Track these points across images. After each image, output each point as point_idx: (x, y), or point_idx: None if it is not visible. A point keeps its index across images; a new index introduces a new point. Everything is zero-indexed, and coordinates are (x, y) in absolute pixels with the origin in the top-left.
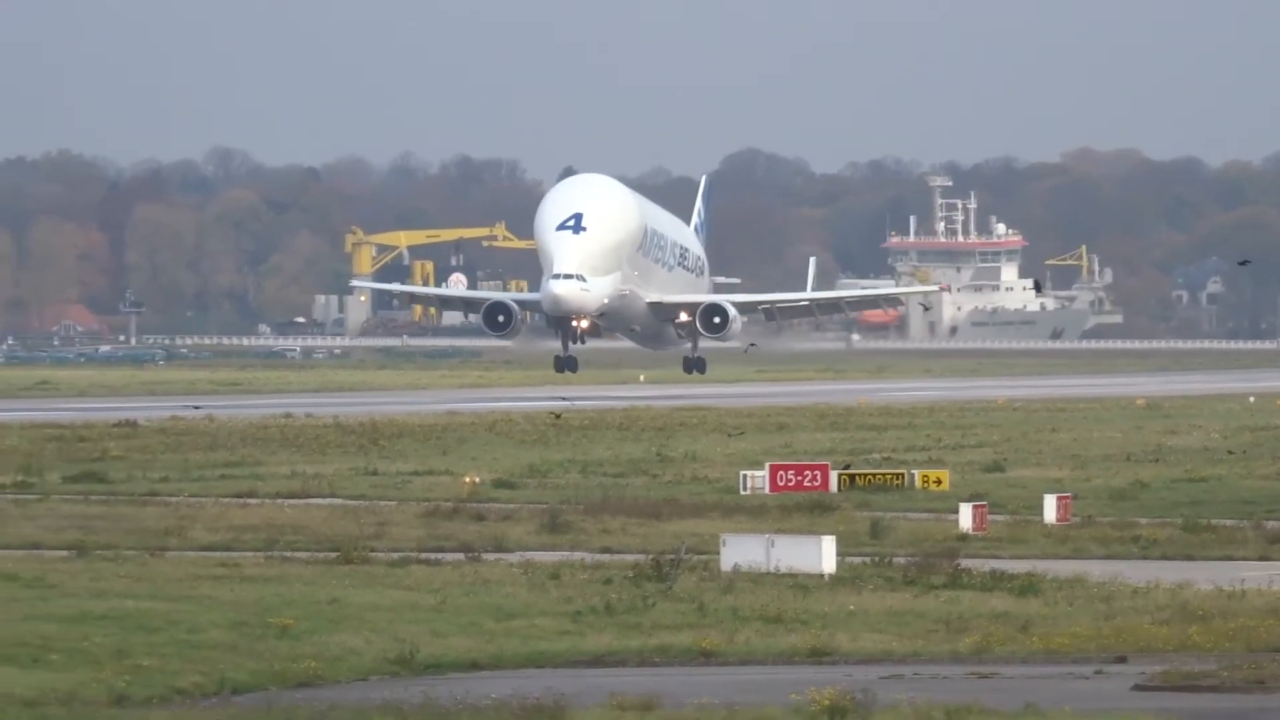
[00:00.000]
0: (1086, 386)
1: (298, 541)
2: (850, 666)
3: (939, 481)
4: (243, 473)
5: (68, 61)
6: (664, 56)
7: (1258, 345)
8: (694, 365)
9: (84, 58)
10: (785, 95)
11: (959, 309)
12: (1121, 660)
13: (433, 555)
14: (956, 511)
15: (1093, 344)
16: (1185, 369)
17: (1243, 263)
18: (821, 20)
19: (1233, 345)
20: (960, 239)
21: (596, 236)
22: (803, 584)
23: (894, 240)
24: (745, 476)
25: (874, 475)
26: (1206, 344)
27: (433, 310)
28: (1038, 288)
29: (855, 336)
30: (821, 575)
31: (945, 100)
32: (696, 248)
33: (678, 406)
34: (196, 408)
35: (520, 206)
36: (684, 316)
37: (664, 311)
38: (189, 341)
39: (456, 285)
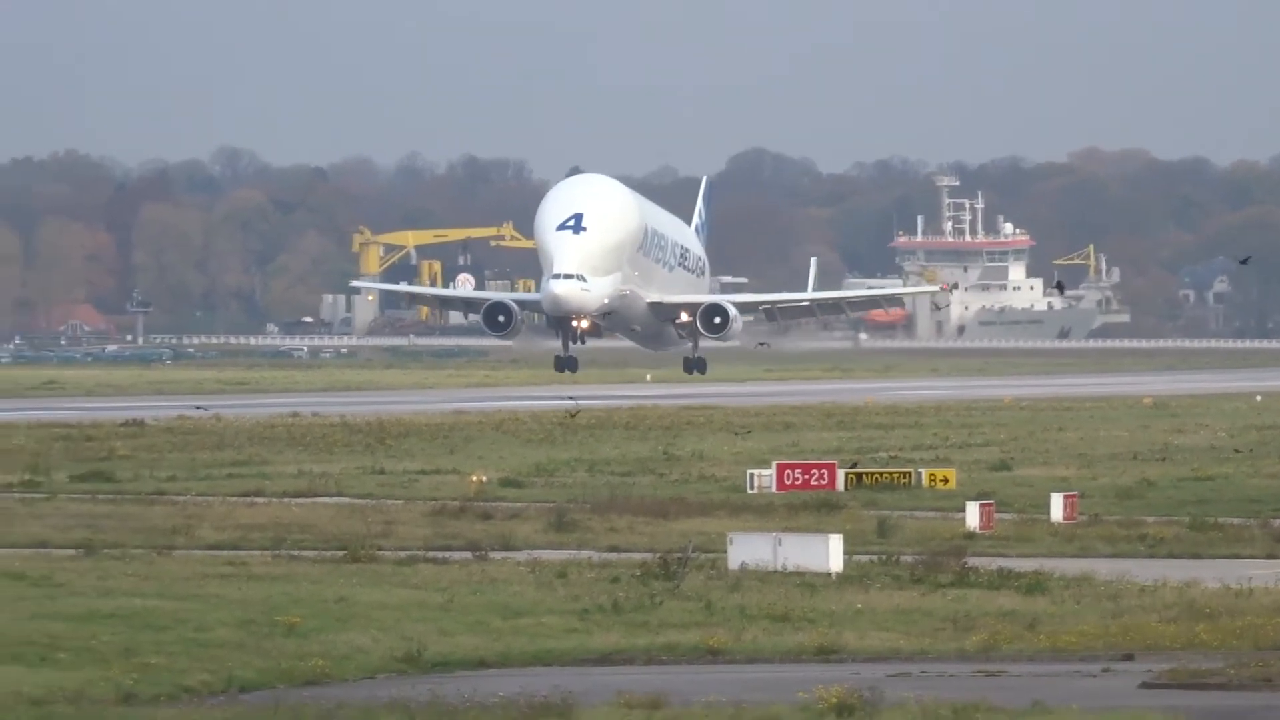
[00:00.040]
0: (1093, 386)
1: (305, 540)
2: (857, 665)
3: (946, 480)
4: (250, 472)
5: (75, 62)
6: (670, 56)
7: (1264, 344)
8: (694, 365)
9: (91, 58)
10: (791, 95)
11: (966, 308)
12: (1129, 658)
13: (440, 554)
14: (963, 510)
15: (1100, 343)
16: (1192, 368)
17: (1244, 261)
18: (828, 20)
19: (1239, 344)
20: (968, 239)
21: (597, 236)
22: (810, 582)
23: (901, 240)
24: (752, 475)
25: (881, 474)
26: (1213, 343)
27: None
28: (1060, 289)
29: (862, 336)
30: (828, 574)
31: (951, 100)
32: (697, 248)
33: (685, 406)
34: (199, 408)
35: (527, 206)
36: (684, 317)
37: (664, 312)
38: (196, 341)
39: (464, 285)
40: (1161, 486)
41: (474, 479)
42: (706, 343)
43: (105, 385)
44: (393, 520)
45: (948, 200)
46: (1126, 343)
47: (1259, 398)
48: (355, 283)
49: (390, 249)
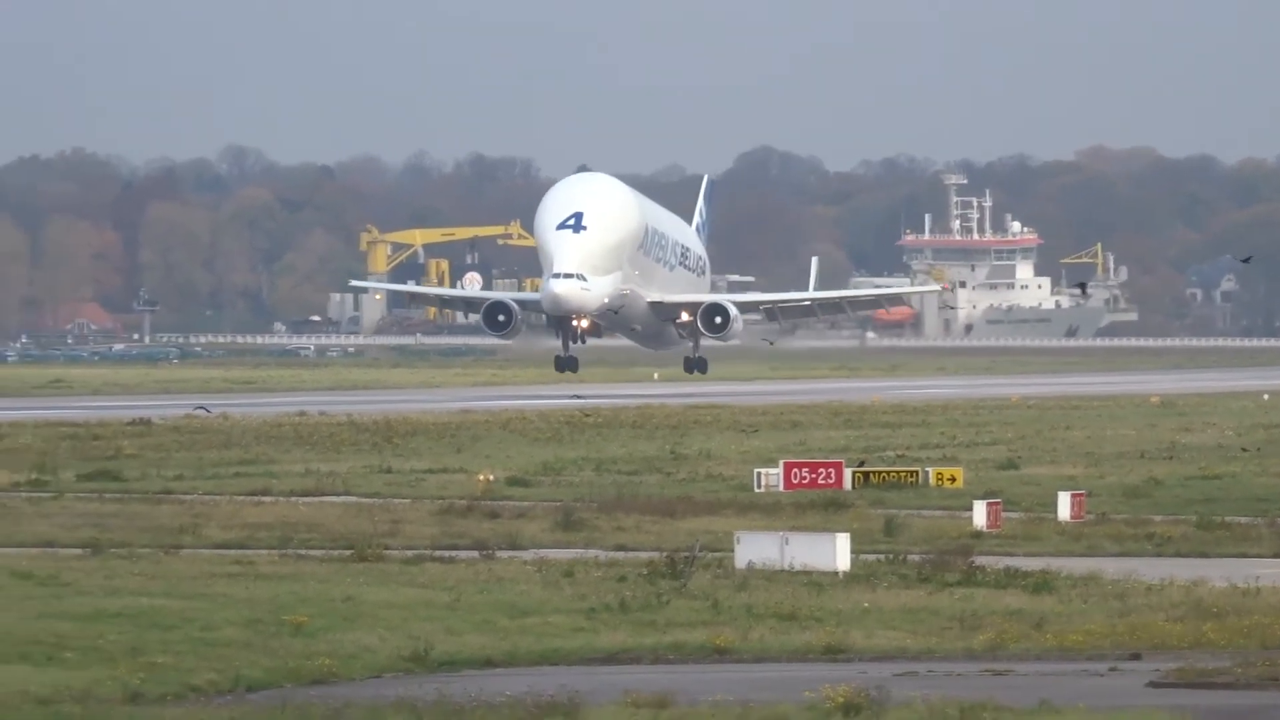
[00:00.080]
0: (1101, 384)
1: (312, 539)
2: (864, 664)
3: (953, 479)
4: (257, 471)
5: (81, 61)
6: (677, 55)
7: (1271, 343)
8: (695, 365)
9: (98, 57)
10: (798, 94)
11: (974, 307)
12: (1136, 657)
13: (447, 553)
14: (971, 509)
15: (1107, 342)
16: (1199, 367)
17: (1245, 260)
18: (834, 19)
19: (1247, 343)
20: (975, 237)
21: (597, 236)
22: (817, 581)
23: (909, 239)
24: (759, 474)
25: (888, 473)
26: (1220, 342)
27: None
28: (1083, 289)
29: (870, 334)
30: (836, 572)
31: (958, 98)
32: (698, 247)
33: (692, 405)
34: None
35: (534, 205)
36: (685, 316)
37: (665, 311)
38: (203, 340)
39: (471, 284)
40: (1169, 485)
41: (481, 478)
42: (707, 342)
43: (112, 384)
44: (400, 519)
45: (955, 199)
46: (1134, 341)
47: (1266, 396)
48: (355, 283)
49: (398, 247)
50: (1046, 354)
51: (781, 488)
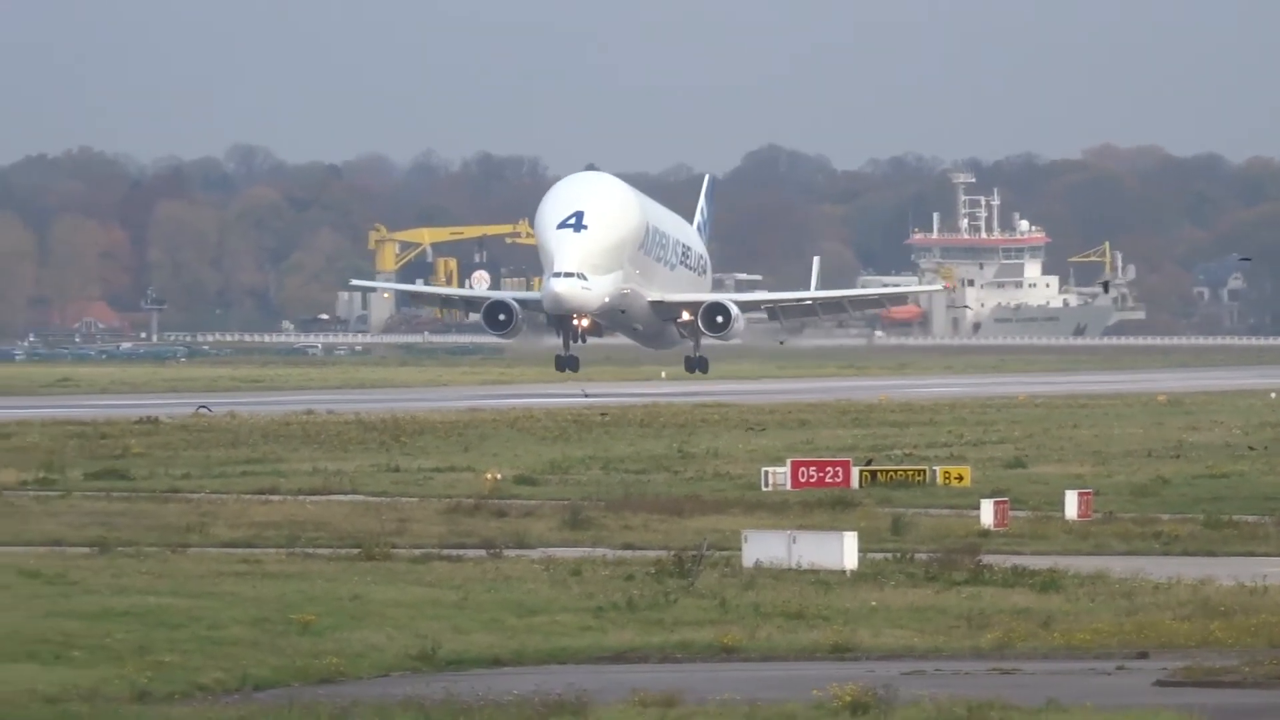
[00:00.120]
0: (1108, 383)
1: (319, 538)
2: (872, 662)
3: (960, 478)
4: (264, 469)
5: (88, 60)
6: (685, 54)
7: (1279, 341)
8: (696, 364)
9: (105, 56)
10: (805, 92)
11: (982, 306)
12: (1143, 656)
13: (454, 552)
14: (978, 508)
15: (1114, 340)
16: (1206, 365)
17: (1244, 259)
18: (841, 17)
19: (1254, 341)
20: (983, 236)
21: (597, 235)
22: (824, 580)
23: (917, 237)
24: (767, 473)
25: (896, 472)
26: (1228, 340)
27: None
28: (1105, 287)
29: (878, 333)
30: (843, 571)
31: (965, 97)
32: (699, 246)
33: (699, 403)
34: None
35: None
36: (686, 315)
37: (666, 310)
38: (211, 338)
39: (479, 283)
40: (1176, 484)
41: (489, 476)
42: (708, 341)
43: (120, 383)
44: (407, 518)
45: (963, 197)
46: (1141, 340)
47: (1274, 394)
48: (356, 282)
49: (406, 246)
50: (1054, 352)
51: (789, 486)
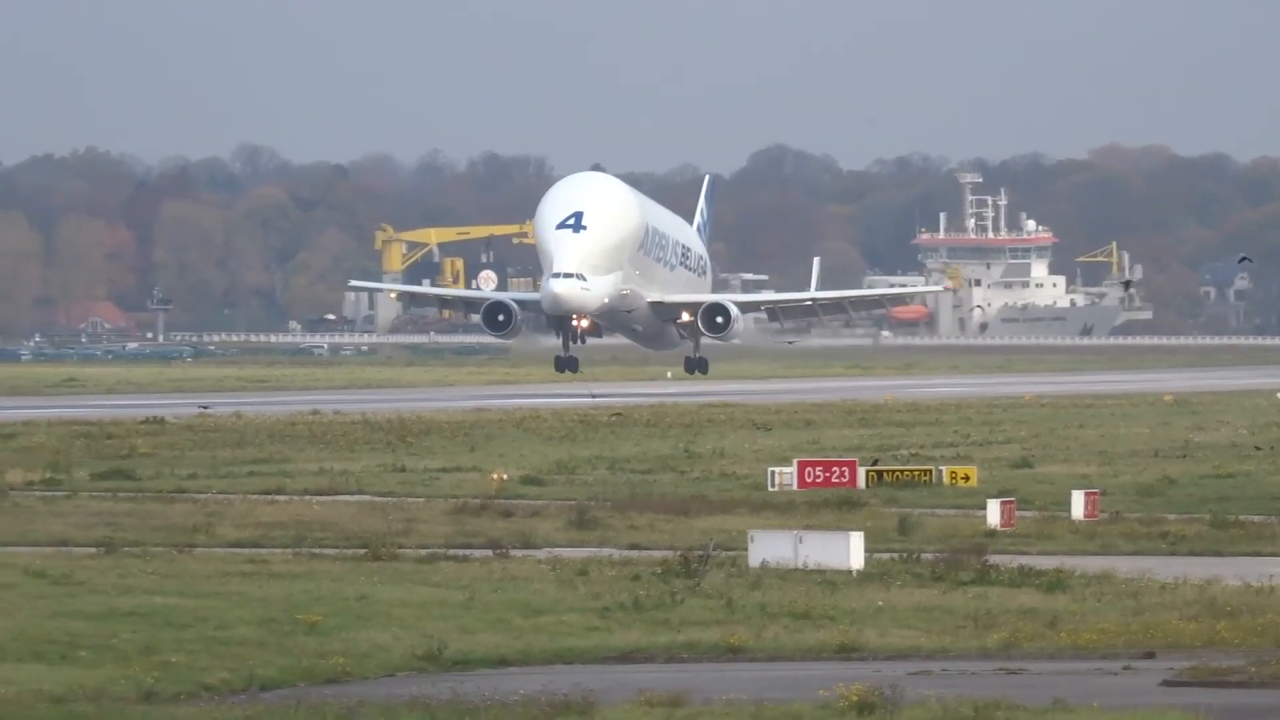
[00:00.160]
0: (1114, 383)
1: (326, 538)
2: (878, 662)
3: (967, 478)
4: (270, 469)
5: (95, 60)
6: (691, 54)
7: None
8: (696, 365)
9: (111, 56)
10: (811, 92)
11: (989, 305)
12: (1150, 656)
13: (461, 552)
14: (984, 508)
15: (1121, 340)
16: (1213, 365)
17: (1244, 259)
18: (847, 17)
19: (1260, 341)
20: (990, 236)
21: (597, 235)
22: (831, 580)
23: (924, 237)
24: (773, 473)
25: (902, 472)
26: (1234, 340)
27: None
28: (1127, 286)
29: (885, 333)
30: (849, 571)
31: (971, 97)
32: (699, 247)
33: (705, 403)
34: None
35: None
36: (686, 316)
37: (665, 311)
38: (217, 338)
39: (486, 283)
40: (1182, 484)
41: (495, 477)
42: (708, 342)
43: (126, 383)
44: (414, 518)
45: (970, 197)
46: (1147, 340)
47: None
48: (355, 283)
49: (413, 246)
50: (1060, 352)
51: (795, 486)
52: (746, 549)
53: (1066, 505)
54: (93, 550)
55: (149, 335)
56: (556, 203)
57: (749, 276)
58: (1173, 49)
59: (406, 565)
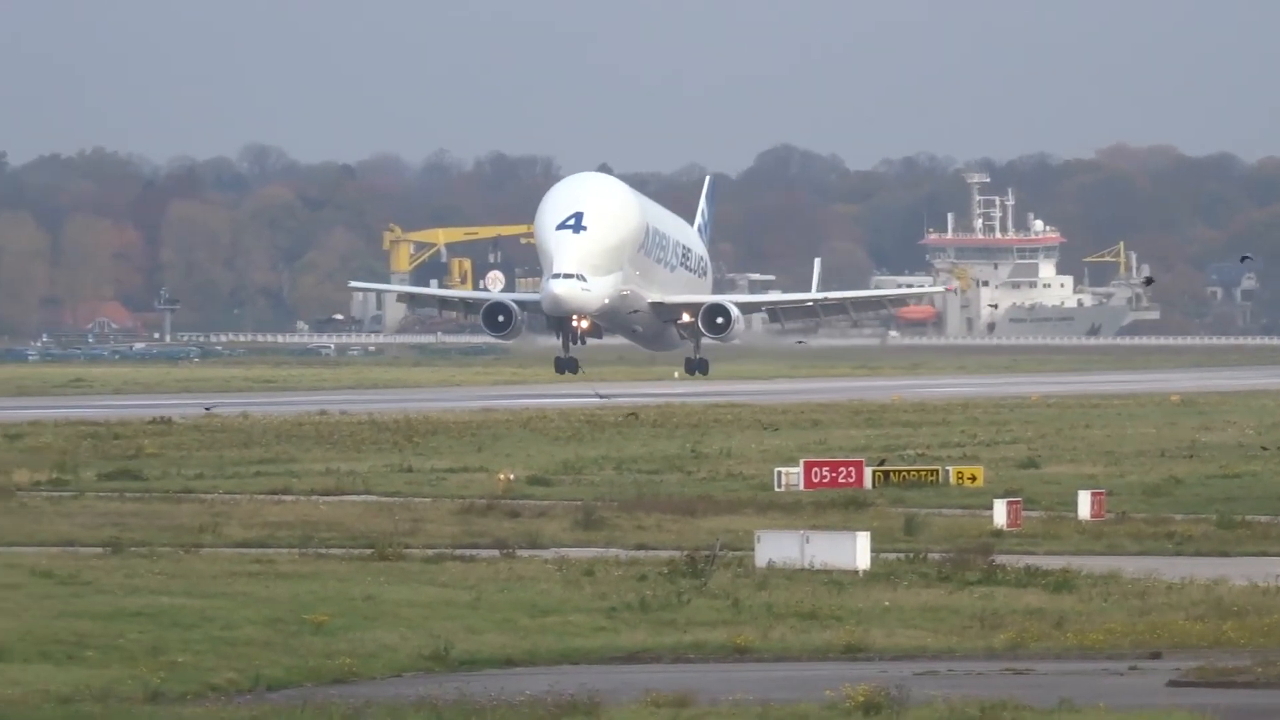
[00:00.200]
0: (1121, 383)
1: (332, 538)
2: (885, 663)
3: (973, 478)
4: (277, 470)
5: (95, 60)
6: (696, 54)
7: None
8: (696, 366)
9: (117, 57)
10: (817, 92)
11: (996, 306)
12: (1156, 656)
13: (467, 552)
14: (991, 508)
15: (1128, 340)
16: (1219, 365)
17: (1245, 258)
18: (852, 17)
19: (1267, 341)
20: (998, 236)
21: (597, 236)
22: (837, 580)
23: (932, 237)
24: (780, 473)
25: (908, 472)
26: (1241, 340)
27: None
28: (1148, 282)
29: (893, 333)
30: (856, 571)
31: (977, 96)
32: (699, 247)
33: (712, 403)
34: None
35: None
36: (686, 317)
37: (666, 312)
38: (224, 339)
39: (494, 283)
40: (1189, 484)
41: (502, 477)
42: (709, 342)
43: (133, 383)
44: (420, 518)
45: (978, 197)
46: (1154, 340)
47: None
48: (354, 284)
49: (421, 246)
50: (1067, 352)
51: (802, 486)
52: (753, 549)
53: (1073, 505)
54: (99, 550)
55: (156, 335)
56: (556, 203)
57: (755, 276)
58: (1179, 49)
59: (413, 565)
